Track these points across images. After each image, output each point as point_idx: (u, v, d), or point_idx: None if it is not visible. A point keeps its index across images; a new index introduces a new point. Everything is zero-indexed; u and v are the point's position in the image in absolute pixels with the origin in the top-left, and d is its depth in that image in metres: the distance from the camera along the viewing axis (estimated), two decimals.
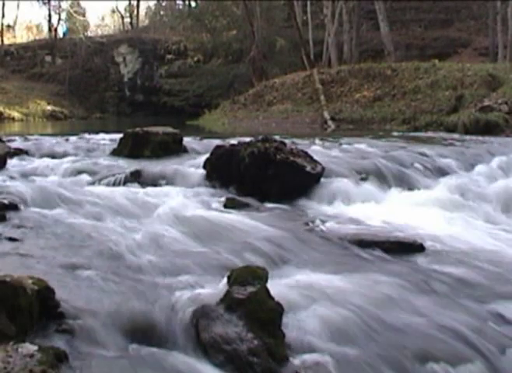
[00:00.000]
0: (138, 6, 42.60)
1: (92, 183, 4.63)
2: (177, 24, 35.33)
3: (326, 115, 15.03)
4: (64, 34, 40.35)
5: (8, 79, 33.22)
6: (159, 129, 6.14)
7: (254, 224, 3.39)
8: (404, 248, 3.09)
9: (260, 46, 24.95)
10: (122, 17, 45.50)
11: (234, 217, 3.54)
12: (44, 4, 40.36)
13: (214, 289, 2.17)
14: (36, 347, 1.67)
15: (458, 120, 10.84)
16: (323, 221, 3.63)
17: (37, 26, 49.81)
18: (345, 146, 6.88)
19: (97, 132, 8.93)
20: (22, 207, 3.64)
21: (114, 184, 4.61)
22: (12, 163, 5.31)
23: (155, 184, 4.63)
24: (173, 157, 5.72)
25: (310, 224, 3.57)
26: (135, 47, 35.64)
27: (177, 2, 41.34)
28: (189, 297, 2.13)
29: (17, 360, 1.59)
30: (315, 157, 4.73)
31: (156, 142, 5.93)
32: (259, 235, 3.14)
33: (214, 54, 32.36)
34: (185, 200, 4.14)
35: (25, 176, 4.84)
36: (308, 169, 4.46)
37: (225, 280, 2.17)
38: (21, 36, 46.60)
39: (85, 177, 4.83)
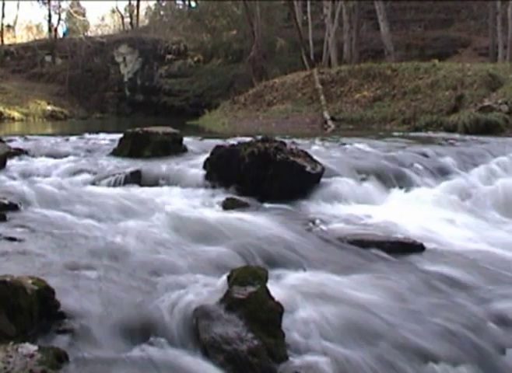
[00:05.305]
0: (138, 6, 42.63)
1: (92, 183, 4.63)
2: (177, 24, 35.30)
3: (326, 115, 15.02)
4: (64, 34, 40.39)
5: (8, 79, 33.21)
6: (159, 129, 6.14)
7: (254, 225, 3.39)
8: (404, 248, 3.09)
9: (260, 46, 24.94)
10: (122, 17, 45.52)
11: (234, 217, 3.54)
12: (44, 4, 40.38)
13: (214, 289, 2.17)
14: (36, 347, 1.67)
15: (458, 120, 10.84)
16: (323, 221, 3.63)
17: (37, 26, 49.82)
18: (345, 146, 6.87)
19: (97, 132, 8.92)
20: (22, 207, 3.65)
21: (114, 184, 4.61)
22: (12, 163, 5.31)
23: (155, 184, 4.63)
24: (173, 157, 5.72)
25: (310, 225, 3.57)
26: (134, 47, 35.63)
27: (177, 2, 41.32)
28: (189, 297, 2.13)
29: (17, 360, 1.59)
30: (315, 157, 4.72)
31: (156, 142, 5.93)
32: (259, 235, 3.14)
33: (214, 54, 32.35)
34: (185, 200, 4.15)
35: (25, 176, 4.83)
36: (308, 169, 4.45)
37: (225, 280, 2.17)
38: (21, 36, 46.59)
39: (85, 177, 4.83)
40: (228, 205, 3.97)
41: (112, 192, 4.26)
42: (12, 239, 2.91)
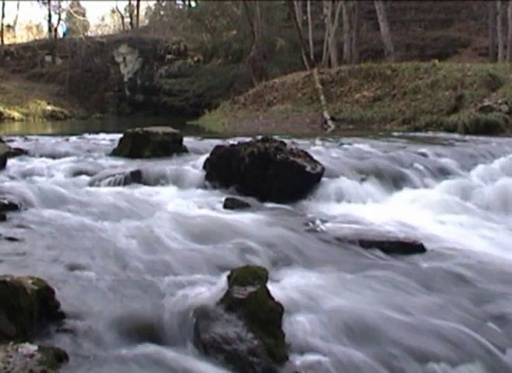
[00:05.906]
0: (138, 6, 42.62)
1: (92, 183, 4.63)
2: (177, 24, 35.29)
3: (326, 115, 15.03)
4: (64, 34, 40.39)
5: (8, 79, 33.22)
6: (159, 129, 6.14)
7: (254, 225, 3.39)
8: (404, 248, 3.09)
9: (260, 46, 24.94)
10: (122, 17, 45.54)
11: (234, 217, 3.54)
12: (44, 4, 40.38)
13: (214, 289, 2.17)
14: (36, 347, 1.67)
15: (458, 120, 10.84)
16: (323, 221, 3.63)
17: (37, 26, 49.82)
18: (345, 146, 6.88)
19: (97, 132, 8.93)
20: (22, 207, 3.65)
21: (114, 184, 4.61)
22: (12, 163, 5.31)
23: (155, 184, 4.63)
24: (173, 157, 5.73)
25: (310, 224, 3.56)
26: (134, 47, 35.63)
27: (177, 2, 41.32)
28: (189, 297, 2.13)
29: (17, 360, 1.58)
30: (315, 157, 4.73)
31: (156, 142, 5.93)
32: (259, 235, 3.14)
33: (214, 54, 32.36)
34: (185, 200, 4.15)
35: (25, 176, 4.84)
36: (308, 168, 4.46)
37: (225, 280, 2.17)
38: (21, 36, 46.59)
39: (85, 177, 4.83)
40: (228, 205, 3.97)
41: (112, 192, 4.26)
42: (12, 239, 2.92)
